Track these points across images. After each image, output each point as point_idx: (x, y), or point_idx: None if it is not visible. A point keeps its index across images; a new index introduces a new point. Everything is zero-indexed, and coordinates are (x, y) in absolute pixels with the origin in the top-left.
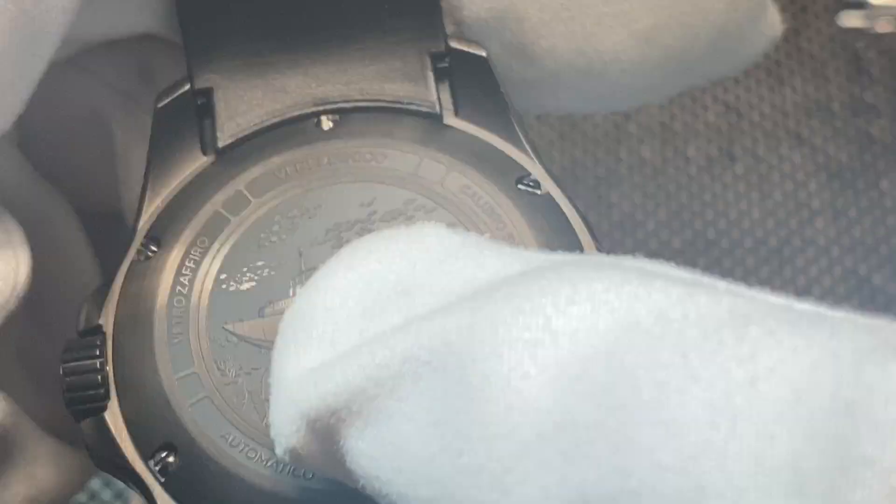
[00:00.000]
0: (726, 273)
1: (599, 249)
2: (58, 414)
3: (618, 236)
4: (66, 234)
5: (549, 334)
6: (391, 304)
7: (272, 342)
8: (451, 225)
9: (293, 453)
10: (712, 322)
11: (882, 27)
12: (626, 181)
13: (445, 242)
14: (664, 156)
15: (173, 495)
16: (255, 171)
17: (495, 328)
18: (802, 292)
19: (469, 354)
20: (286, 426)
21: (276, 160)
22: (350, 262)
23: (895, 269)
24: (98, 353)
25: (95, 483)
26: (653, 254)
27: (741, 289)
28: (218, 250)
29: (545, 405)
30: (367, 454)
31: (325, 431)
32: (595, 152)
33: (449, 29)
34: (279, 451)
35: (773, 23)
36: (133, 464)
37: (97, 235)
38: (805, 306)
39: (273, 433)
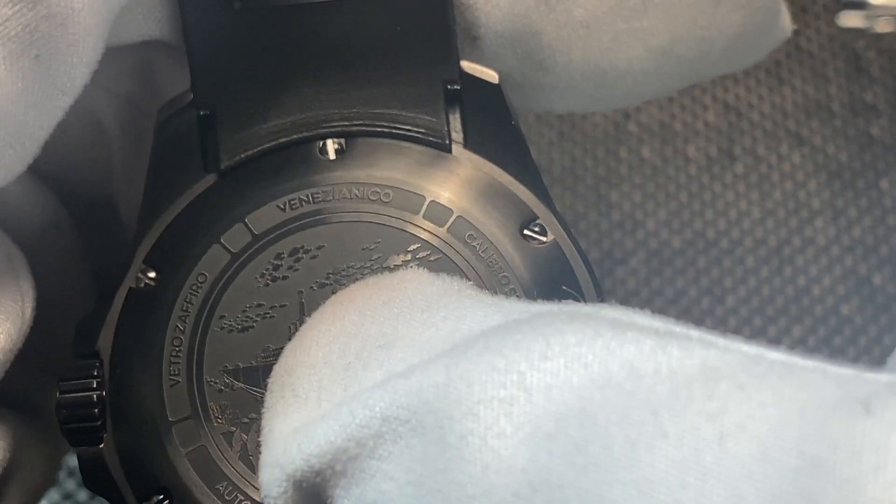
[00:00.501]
0: (726, 273)
1: (601, 300)
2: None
3: (618, 236)
4: (63, 241)
5: (523, 391)
6: (373, 359)
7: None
8: (449, 274)
9: None
10: (683, 377)
11: (882, 27)
12: (626, 181)
13: (427, 291)
14: (664, 155)
15: None
16: (257, 201)
17: (470, 386)
18: (802, 292)
19: (445, 413)
20: (274, 488)
21: (278, 189)
22: (334, 314)
23: (895, 269)
24: (96, 384)
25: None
26: (653, 253)
27: (714, 338)
28: (217, 287)
29: (520, 464)
30: None
31: (312, 490)
32: (595, 152)
33: (464, 43)
34: None
35: (785, 25)
36: (128, 502)
37: (88, 228)
38: (776, 355)
39: (262, 494)
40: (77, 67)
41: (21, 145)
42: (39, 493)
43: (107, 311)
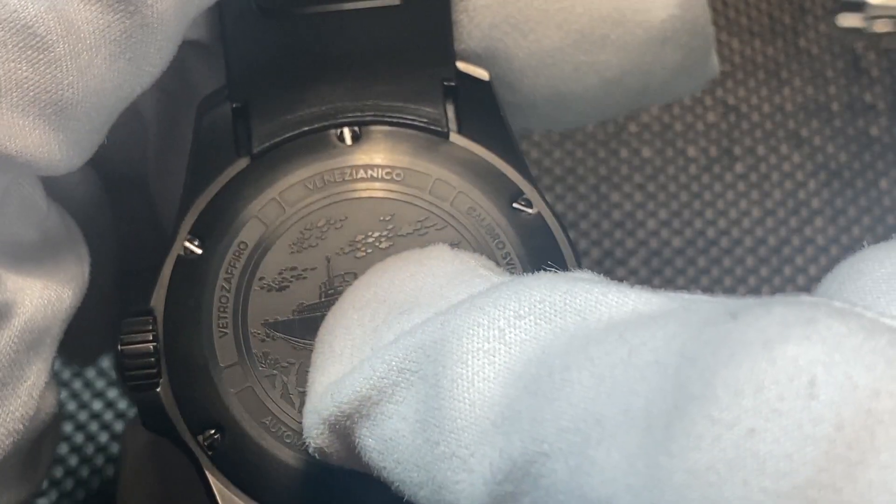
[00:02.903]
0: (726, 272)
1: (579, 263)
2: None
3: (619, 236)
4: (101, 215)
5: (503, 344)
6: (395, 323)
7: (303, 339)
8: (455, 244)
9: (320, 451)
10: (615, 318)
11: (881, 27)
12: (627, 181)
13: (448, 268)
14: (664, 156)
15: (219, 468)
16: (287, 181)
17: (460, 339)
18: (802, 291)
19: (441, 362)
20: (312, 430)
21: (305, 170)
22: (369, 283)
23: None
24: (151, 336)
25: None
26: (653, 253)
27: (649, 291)
28: (256, 254)
29: (497, 399)
30: (375, 449)
31: (343, 432)
32: (596, 152)
33: None
34: (311, 450)
35: (714, 64)
36: (184, 437)
37: (122, 205)
38: (697, 296)
39: (304, 435)
40: (157, 67)
41: (104, 130)
42: (57, 444)
43: (157, 277)
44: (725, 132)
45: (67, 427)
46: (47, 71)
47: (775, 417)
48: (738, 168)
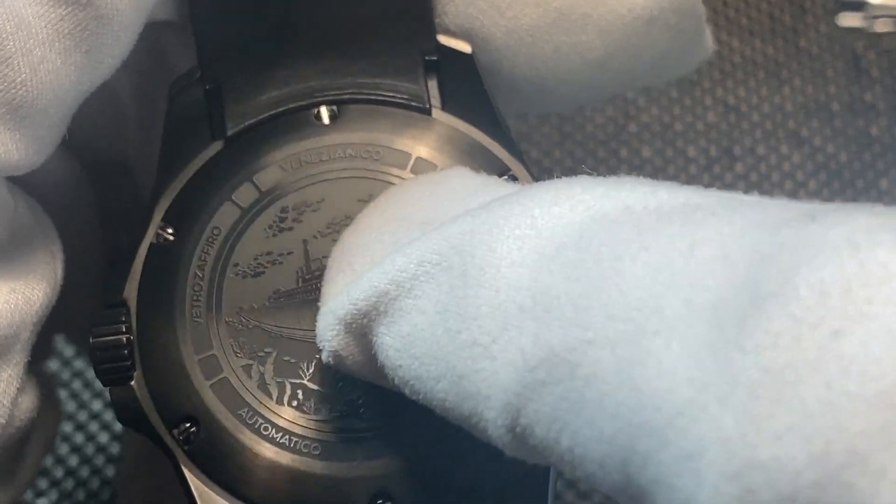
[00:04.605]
0: None
1: None
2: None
3: None
4: (82, 201)
5: (534, 230)
6: (416, 232)
7: (281, 328)
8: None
9: (335, 355)
10: (667, 209)
11: (881, 27)
12: None
13: (468, 183)
14: (665, 155)
15: (195, 462)
16: (262, 163)
17: (491, 229)
18: None
19: (469, 252)
20: (327, 332)
21: (281, 152)
22: (386, 204)
23: None
24: (124, 328)
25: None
26: None
27: (700, 189)
28: (231, 239)
29: (525, 284)
30: (392, 346)
31: (359, 331)
32: (596, 152)
33: None
34: (325, 355)
35: (708, 43)
36: (159, 431)
37: (104, 189)
38: (749, 197)
39: (318, 341)
40: (117, 58)
41: (64, 124)
42: (49, 447)
43: (130, 265)
44: (725, 132)
45: (67, 427)
46: None
47: (864, 320)
48: (738, 168)
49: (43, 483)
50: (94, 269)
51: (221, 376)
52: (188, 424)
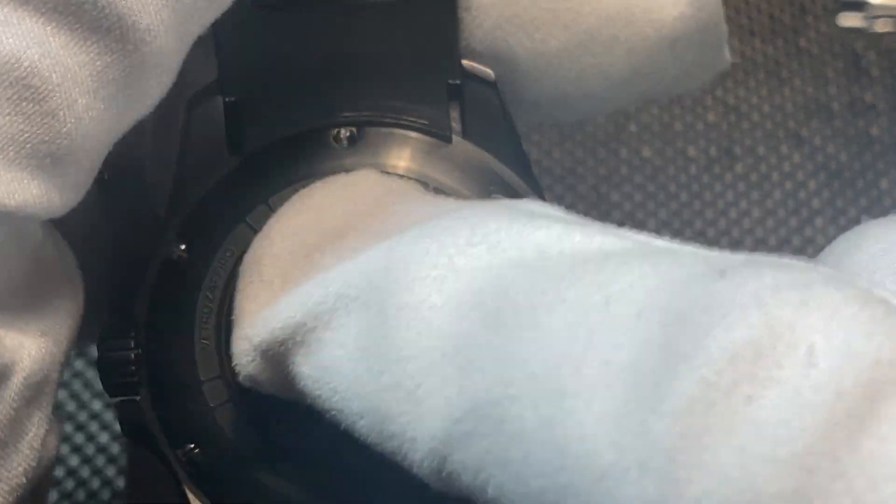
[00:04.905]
0: None
1: None
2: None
3: None
4: (93, 215)
5: (452, 272)
6: (329, 247)
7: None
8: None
9: (251, 378)
10: (581, 257)
11: (881, 27)
12: (627, 181)
13: (377, 190)
14: (665, 155)
15: (198, 484)
16: (278, 184)
17: (407, 266)
18: None
19: (386, 290)
20: (243, 357)
21: (298, 174)
22: (297, 211)
23: None
24: (133, 343)
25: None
26: None
27: (612, 229)
28: (243, 262)
29: (447, 330)
30: (309, 377)
31: (276, 359)
32: (596, 152)
33: None
34: (240, 377)
35: (726, 56)
36: (164, 449)
37: (116, 201)
38: (661, 242)
39: (233, 363)
40: (157, 98)
41: (101, 162)
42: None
43: (140, 281)
44: (725, 132)
45: (67, 427)
46: (43, 122)
47: (774, 385)
48: (738, 168)
49: None
50: (103, 284)
51: (225, 401)
52: (192, 446)
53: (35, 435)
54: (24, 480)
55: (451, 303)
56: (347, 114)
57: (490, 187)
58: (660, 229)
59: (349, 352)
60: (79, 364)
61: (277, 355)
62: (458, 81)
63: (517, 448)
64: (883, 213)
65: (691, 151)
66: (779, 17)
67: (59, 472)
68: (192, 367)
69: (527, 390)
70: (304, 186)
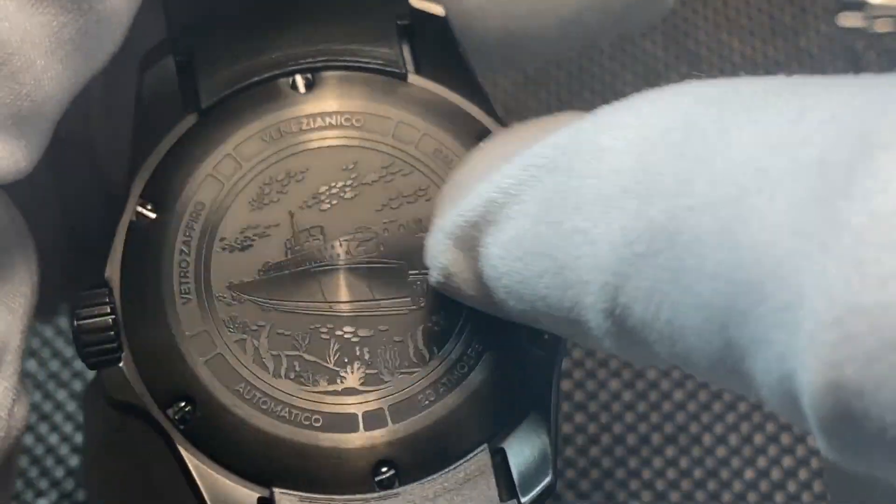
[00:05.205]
0: None
1: None
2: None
3: None
4: (41, 182)
5: (639, 119)
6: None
7: (273, 300)
8: (423, 189)
9: (444, 272)
10: (775, 86)
11: (881, 27)
12: None
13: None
14: None
15: (193, 442)
16: (240, 135)
17: (595, 125)
18: None
19: (575, 149)
20: (437, 248)
21: (259, 122)
22: (494, 143)
23: None
24: (109, 308)
25: None
26: None
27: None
28: (215, 213)
29: (628, 166)
30: (497, 255)
31: (468, 244)
32: None
33: None
34: (433, 276)
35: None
36: (152, 412)
37: (64, 169)
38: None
39: (427, 260)
40: (110, 54)
41: (56, 122)
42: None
43: (109, 246)
44: None
45: (67, 427)
46: (5, 85)
47: None
48: None
49: (43, 483)
50: (58, 256)
51: (215, 353)
52: (183, 404)
53: (1, 404)
54: None
55: (635, 143)
56: (302, 60)
57: (451, 120)
58: None
59: (532, 217)
60: (79, 364)
61: (469, 240)
62: (407, 20)
63: (692, 256)
64: None
65: None
66: (779, 17)
67: (59, 472)
68: (177, 324)
69: (706, 198)
70: (266, 134)
